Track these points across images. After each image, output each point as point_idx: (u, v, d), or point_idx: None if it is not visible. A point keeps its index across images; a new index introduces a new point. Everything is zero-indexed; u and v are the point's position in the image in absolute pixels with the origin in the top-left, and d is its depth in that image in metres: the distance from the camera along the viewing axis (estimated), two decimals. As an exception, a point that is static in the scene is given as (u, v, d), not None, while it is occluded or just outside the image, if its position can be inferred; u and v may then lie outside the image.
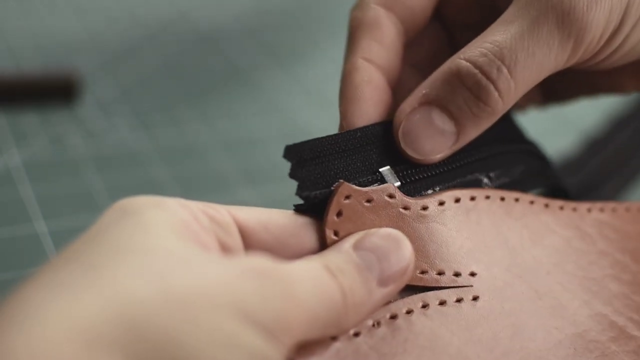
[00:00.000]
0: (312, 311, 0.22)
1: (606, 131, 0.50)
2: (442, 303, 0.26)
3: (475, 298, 0.26)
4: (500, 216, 0.29)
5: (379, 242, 0.25)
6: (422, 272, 0.26)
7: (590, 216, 0.31)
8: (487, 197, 0.29)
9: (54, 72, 0.51)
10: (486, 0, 0.33)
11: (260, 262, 0.22)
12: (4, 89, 0.50)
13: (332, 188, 0.25)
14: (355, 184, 0.26)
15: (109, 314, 0.19)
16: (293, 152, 0.26)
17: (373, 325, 0.24)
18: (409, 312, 0.25)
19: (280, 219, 0.25)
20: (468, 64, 0.27)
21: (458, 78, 0.27)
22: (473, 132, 0.28)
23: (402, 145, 0.28)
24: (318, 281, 0.23)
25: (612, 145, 0.49)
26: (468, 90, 0.27)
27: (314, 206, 0.25)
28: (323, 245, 0.25)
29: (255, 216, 0.25)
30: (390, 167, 0.28)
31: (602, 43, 0.28)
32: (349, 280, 0.23)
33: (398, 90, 0.32)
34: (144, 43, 0.59)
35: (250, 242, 0.24)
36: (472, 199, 0.28)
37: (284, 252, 0.25)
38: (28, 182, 0.43)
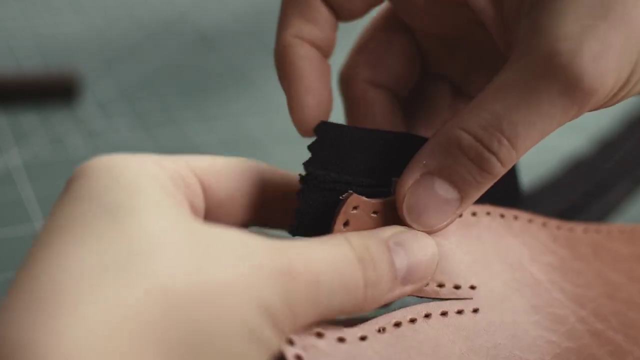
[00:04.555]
0: (330, 305, 0.23)
1: (618, 134, 0.50)
2: (444, 314, 0.26)
3: (475, 310, 0.27)
4: (500, 233, 0.29)
5: (415, 246, 0.25)
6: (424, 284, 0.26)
7: (586, 237, 0.32)
8: (488, 214, 0.29)
9: (54, 72, 0.51)
10: (451, 8, 0.32)
11: (279, 256, 0.22)
12: (4, 89, 0.50)
13: (342, 197, 0.26)
14: (363, 184, 0.26)
15: (153, 307, 0.19)
16: (323, 130, 0.26)
17: (379, 330, 0.24)
18: (412, 320, 0.25)
19: (231, 173, 0.25)
20: (469, 136, 0.26)
21: (460, 150, 0.26)
22: (475, 196, 0.27)
23: (408, 220, 0.27)
24: (345, 273, 0.23)
25: (624, 148, 0.49)
26: (471, 162, 0.26)
27: (313, 184, 0.26)
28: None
29: (211, 171, 0.25)
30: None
31: (606, 100, 0.26)
32: (378, 273, 0.24)
33: (367, 114, 0.32)
34: (144, 43, 0.60)
35: (206, 196, 0.25)
36: (474, 214, 0.29)
37: (233, 206, 0.25)
38: (28, 182, 0.43)
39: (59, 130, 0.48)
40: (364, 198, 0.26)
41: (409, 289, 0.25)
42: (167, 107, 0.52)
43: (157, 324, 0.19)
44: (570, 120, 0.26)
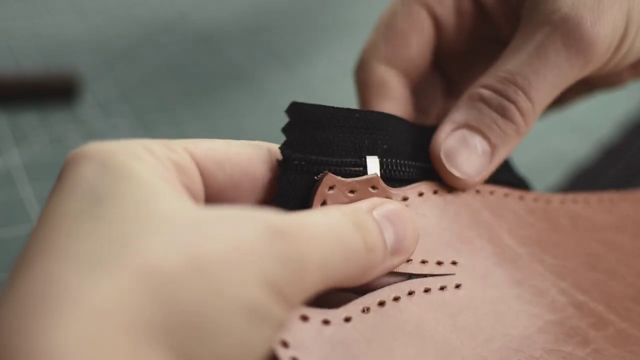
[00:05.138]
0: (335, 272, 0.22)
1: (621, 140, 0.50)
2: (427, 290, 0.26)
3: (457, 286, 0.27)
4: (477, 208, 0.29)
5: (399, 217, 0.25)
6: (407, 261, 0.26)
7: (563, 208, 0.32)
8: (464, 190, 0.30)
9: (54, 72, 0.51)
10: (482, 43, 0.34)
11: (277, 222, 0.21)
12: (4, 89, 0.50)
13: (317, 178, 0.26)
14: (338, 163, 0.26)
15: (141, 291, 0.18)
16: (295, 110, 0.26)
17: (363, 310, 0.24)
18: (396, 299, 0.25)
19: (236, 158, 0.25)
20: (488, 90, 0.29)
21: (483, 102, 0.29)
22: (503, 150, 0.29)
23: (447, 166, 0.29)
24: (345, 239, 0.23)
25: (627, 154, 0.49)
26: (494, 111, 0.29)
27: (291, 167, 0.25)
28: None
29: (211, 156, 0.24)
30: (378, 157, 0.28)
31: (610, 53, 0.29)
32: (374, 239, 0.24)
33: (385, 99, 0.33)
34: (144, 43, 0.60)
35: (206, 182, 0.24)
36: (450, 191, 0.29)
37: (237, 192, 0.25)
38: (28, 182, 0.43)
39: (59, 130, 0.48)
40: (340, 178, 0.26)
41: (397, 261, 0.25)
42: (167, 107, 0.52)
43: (148, 311, 0.18)
44: (579, 75, 0.29)
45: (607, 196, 0.34)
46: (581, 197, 0.33)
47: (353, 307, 0.24)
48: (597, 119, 0.54)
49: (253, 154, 0.25)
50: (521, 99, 0.28)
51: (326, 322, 0.23)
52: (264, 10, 0.67)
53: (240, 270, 0.20)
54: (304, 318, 0.23)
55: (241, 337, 0.19)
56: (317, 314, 0.23)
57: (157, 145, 0.23)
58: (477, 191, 0.30)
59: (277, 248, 0.20)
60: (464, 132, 0.29)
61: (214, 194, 0.24)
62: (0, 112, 0.49)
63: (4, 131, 0.47)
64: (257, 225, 0.21)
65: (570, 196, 0.33)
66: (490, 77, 0.29)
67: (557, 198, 0.32)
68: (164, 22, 0.63)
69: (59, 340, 0.17)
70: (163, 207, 0.20)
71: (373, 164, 0.27)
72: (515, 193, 0.31)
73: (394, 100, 0.32)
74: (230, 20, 0.65)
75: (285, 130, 0.26)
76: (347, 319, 0.24)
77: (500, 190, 0.31)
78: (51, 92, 0.50)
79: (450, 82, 0.36)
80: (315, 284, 0.22)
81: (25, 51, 0.56)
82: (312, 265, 0.21)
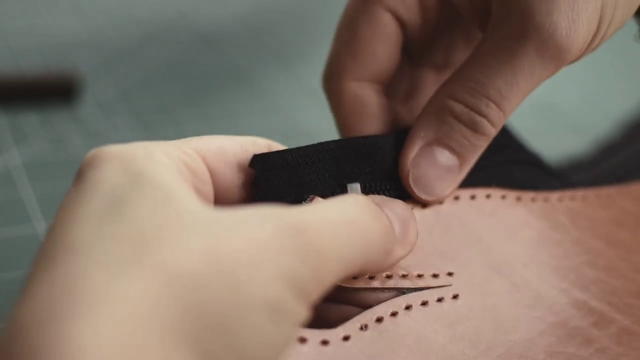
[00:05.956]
0: (354, 260, 0.22)
1: (619, 137, 0.50)
2: (424, 303, 0.26)
3: (455, 296, 0.27)
4: (471, 215, 0.29)
5: (399, 209, 0.25)
6: (403, 276, 0.26)
7: (562, 205, 0.32)
8: (457, 198, 0.29)
9: (54, 72, 0.51)
10: (445, 21, 0.33)
11: (295, 218, 0.21)
12: (4, 89, 0.50)
13: (304, 203, 0.26)
14: (321, 197, 0.26)
15: (168, 294, 0.18)
16: (259, 162, 0.26)
17: (361, 328, 0.24)
18: (393, 314, 0.25)
19: (244, 158, 0.25)
20: (459, 104, 0.28)
21: (453, 117, 0.28)
22: (473, 160, 0.29)
23: (416, 192, 0.28)
24: (363, 225, 0.23)
25: (623, 151, 0.49)
26: (465, 127, 0.28)
27: None
28: None
29: (221, 156, 0.25)
30: (360, 183, 0.28)
31: (583, 50, 0.28)
32: (386, 222, 0.24)
33: (362, 116, 0.32)
34: (144, 43, 0.60)
35: (215, 182, 0.24)
36: (440, 202, 0.29)
37: (244, 191, 0.25)
38: (28, 182, 0.43)
39: (59, 130, 0.48)
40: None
41: (403, 252, 0.25)
42: (167, 107, 0.52)
43: (176, 313, 0.18)
44: (550, 76, 0.28)
45: (605, 192, 0.34)
46: (579, 193, 0.33)
47: (351, 326, 0.24)
48: (597, 119, 0.54)
49: (257, 151, 0.26)
50: (493, 111, 0.28)
51: (325, 342, 0.23)
52: (264, 10, 0.67)
53: (260, 269, 0.20)
54: (302, 340, 0.23)
55: (264, 336, 0.20)
56: (315, 335, 0.23)
57: (170, 147, 0.23)
58: (472, 197, 0.30)
59: (296, 245, 0.20)
60: (433, 150, 0.28)
61: (223, 192, 0.25)
62: (0, 112, 0.49)
63: (4, 131, 0.47)
64: (275, 224, 0.21)
65: (567, 193, 0.32)
66: (459, 87, 0.28)
67: (554, 196, 0.32)
68: (164, 22, 0.63)
69: (91, 339, 0.17)
70: (183, 210, 0.20)
71: (355, 191, 0.27)
72: (513, 194, 0.31)
73: (373, 117, 0.31)
74: (230, 20, 0.65)
75: (254, 184, 0.25)
76: (346, 338, 0.24)
77: (497, 193, 0.30)
78: (51, 92, 0.50)
79: (412, 53, 0.34)
80: (334, 276, 0.22)
81: (25, 51, 0.56)
82: (331, 258, 0.21)
